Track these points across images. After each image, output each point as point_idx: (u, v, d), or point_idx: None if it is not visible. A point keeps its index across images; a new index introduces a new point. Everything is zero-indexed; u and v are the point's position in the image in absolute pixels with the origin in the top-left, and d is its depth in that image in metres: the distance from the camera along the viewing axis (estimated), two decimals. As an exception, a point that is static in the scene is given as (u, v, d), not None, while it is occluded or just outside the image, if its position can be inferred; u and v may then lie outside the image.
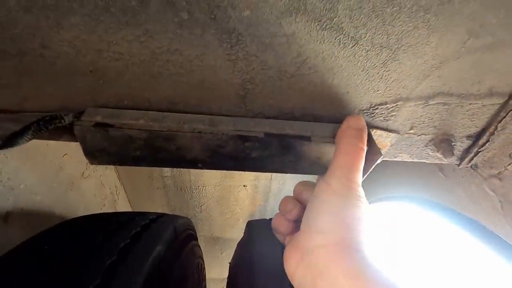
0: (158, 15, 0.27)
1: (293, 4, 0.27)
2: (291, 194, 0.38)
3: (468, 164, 0.42)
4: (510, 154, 0.38)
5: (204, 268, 0.85)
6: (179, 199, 1.27)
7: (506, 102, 0.36)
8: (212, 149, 0.32)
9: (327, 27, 0.28)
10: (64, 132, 0.33)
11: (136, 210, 1.27)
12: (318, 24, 0.28)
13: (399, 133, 0.38)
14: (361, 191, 0.29)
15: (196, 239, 0.76)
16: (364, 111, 0.35)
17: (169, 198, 1.26)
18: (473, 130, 0.39)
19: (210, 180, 1.19)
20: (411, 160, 0.42)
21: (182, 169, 1.07)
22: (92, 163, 0.33)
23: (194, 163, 0.34)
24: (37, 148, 0.66)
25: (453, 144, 0.40)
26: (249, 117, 0.34)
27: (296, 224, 0.35)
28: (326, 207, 0.29)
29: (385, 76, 0.32)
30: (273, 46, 0.29)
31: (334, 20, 0.28)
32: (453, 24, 0.29)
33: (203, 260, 0.83)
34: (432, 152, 0.40)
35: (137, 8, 0.26)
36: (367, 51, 0.30)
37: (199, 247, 0.79)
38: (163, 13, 0.26)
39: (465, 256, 0.57)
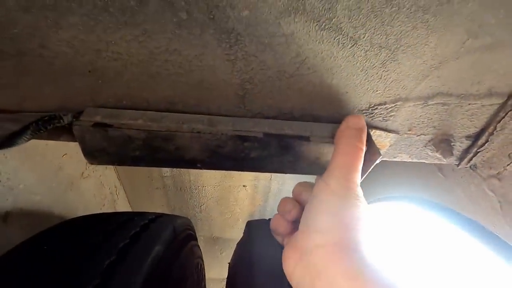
0: (156, 15, 0.27)
1: (292, 4, 0.27)
2: (291, 195, 0.38)
3: (467, 164, 0.42)
4: (509, 154, 0.38)
5: (203, 268, 0.85)
6: (179, 199, 1.27)
7: (505, 102, 0.36)
8: (211, 149, 0.32)
9: (326, 27, 0.28)
10: (63, 132, 0.33)
11: (135, 210, 1.27)
12: (317, 24, 0.28)
13: (398, 133, 0.38)
14: (359, 191, 0.29)
15: (196, 239, 0.76)
16: (363, 111, 0.35)
17: (168, 198, 1.26)
18: (472, 130, 0.39)
19: (209, 180, 1.19)
20: (410, 160, 0.42)
21: (181, 169, 1.07)
22: (91, 163, 0.33)
23: (193, 163, 0.34)
24: (37, 148, 0.66)
25: (452, 144, 0.40)
26: (248, 117, 0.34)
27: (295, 225, 0.35)
28: (324, 207, 0.29)
29: (384, 76, 0.32)
30: (272, 46, 0.29)
31: (333, 20, 0.28)
32: (452, 24, 0.29)
33: (202, 260, 0.83)
34: (432, 152, 0.40)
35: (136, 8, 0.26)
36: (366, 51, 0.30)
37: (199, 247, 0.79)
38: (161, 13, 0.26)
39: (464, 256, 0.57)
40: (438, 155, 0.40)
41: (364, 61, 0.31)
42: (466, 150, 0.40)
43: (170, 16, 0.27)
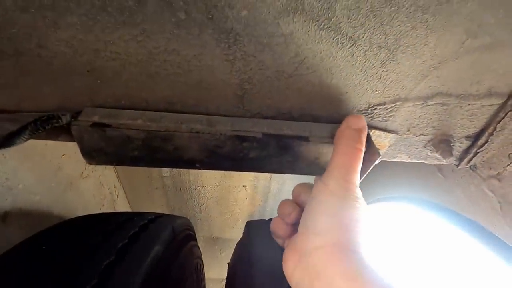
0: (155, 15, 0.27)
1: (291, 4, 0.26)
2: (290, 195, 0.38)
3: (467, 165, 0.42)
4: (509, 155, 0.38)
5: (203, 268, 0.85)
6: (179, 199, 1.27)
7: (505, 102, 0.35)
8: (210, 149, 0.32)
9: (325, 27, 0.28)
10: (61, 132, 0.33)
11: (135, 210, 1.27)
12: (316, 24, 0.28)
13: (397, 134, 0.38)
14: (358, 192, 0.29)
15: (195, 239, 0.76)
16: (363, 112, 0.35)
17: (168, 198, 1.26)
18: (472, 131, 0.39)
19: (209, 180, 1.19)
20: (410, 160, 0.42)
21: (181, 169, 1.08)
22: (89, 163, 0.33)
23: (192, 163, 0.33)
24: (36, 148, 0.66)
25: (452, 144, 0.39)
26: (247, 117, 0.34)
27: (295, 228, 0.34)
28: (323, 208, 0.29)
29: (384, 76, 0.32)
30: (271, 46, 0.29)
31: (332, 20, 0.28)
32: (452, 24, 0.28)
33: (202, 261, 0.82)
34: (431, 153, 0.40)
35: (134, 8, 0.26)
36: (365, 51, 0.30)
37: (198, 247, 0.79)
38: (160, 13, 0.26)
39: (464, 256, 0.57)
40: (437, 155, 0.40)
41: (363, 61, 0.31)
42: (466, 151, 0.40)
43: (169, 16, 0.27)
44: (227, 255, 1.51)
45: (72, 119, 0.30)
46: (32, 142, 0.31)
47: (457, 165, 0.42)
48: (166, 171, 1.14)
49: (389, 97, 0.34)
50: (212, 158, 0.33)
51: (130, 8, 0.26)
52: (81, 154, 0.32)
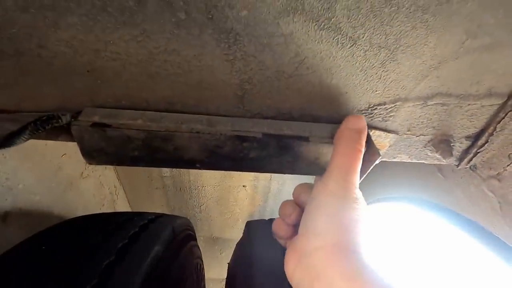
0: (155, 15, 0.27)
1: (291, 4, 0.26)
2: (291, 195, 0.38)
3: (467, 165, 0.42)
4: (509, 155, 0.38)
5: (203, 269, 0.85)
6: (179, 199, 1.27)
7: (505, 102, 0.35)
8: (210, 149, 0.32)
9: (325, 27, 0.28)
10: (61, 132, 0.33)
11: (135, 210, 1.27)
12: (316, 24, 0.28)
13: (397, 134, 0.38)
14: (358, 192, 0.29)
15: (195, 239, 0.76)
16: (363, 112, 0.35)
17: (168, 198, 1.26)
18: (472, 131, 0.39)
19: (209, 180, 1.19)
20: (410, 160, 0.42)
21: (181, 169, 1.08)
22: (89, 163, 0.33)
23: (192, 163, 0.34)
24: (36, 148, 0.66)
25: (452, 144, 0.40)
26: (247, 118, 0.34)
27: (296, 228, 0.35)
28: (323, 209, 0.29)
29: (384, 76, 0.32)
30: (271, 46, 0.29)
31: (332, 20, 0.28)
32: (451, 24, 0.28)
33: (202, 261, 0.82)
34: (431, 153, 0.40)
35: (134, 8, 0.26)
36: (366, 51, 0.30)
37: (198, 247, 0.79)
38: (160, 13, 0.26)
39: (464, 257, 0.57)
40: (437, 155, 0.40)
41: (364, 61, 0.31)
42: (466, 151, 0.40)
43: (169, 16, 0.27)
44: (227, 255, 1.51)
45: (72, 119, 0.30)
46: (32, 142, 0.31)
47: (457, 165, 0.42)
48: (166, 171, 1.14)
49: (389, 97, 0.34)
50: (212, 158, 0.33)
51: (130, 8, 0.26)
52: (81, 154, 0.32)
